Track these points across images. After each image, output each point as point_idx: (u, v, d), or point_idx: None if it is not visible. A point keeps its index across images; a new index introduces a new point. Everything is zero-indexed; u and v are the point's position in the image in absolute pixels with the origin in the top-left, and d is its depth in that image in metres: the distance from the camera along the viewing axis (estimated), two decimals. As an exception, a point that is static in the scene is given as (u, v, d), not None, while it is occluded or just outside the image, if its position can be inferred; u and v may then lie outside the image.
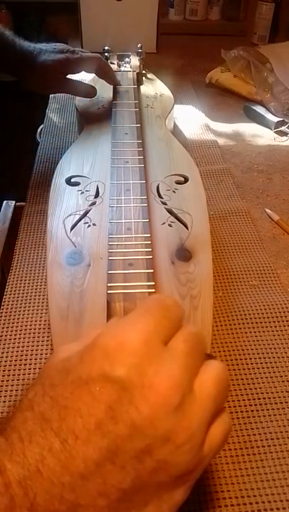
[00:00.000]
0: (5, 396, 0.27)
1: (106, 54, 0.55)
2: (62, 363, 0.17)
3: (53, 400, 0.16)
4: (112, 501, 0.15)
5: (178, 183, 0.37)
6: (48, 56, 0.45)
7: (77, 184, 0.37)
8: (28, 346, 0.30)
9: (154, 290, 0.27)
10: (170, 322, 0.18)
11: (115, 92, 0.49)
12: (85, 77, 0.51)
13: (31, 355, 0.29)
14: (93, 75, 0.50)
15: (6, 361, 0.29)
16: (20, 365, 0.29)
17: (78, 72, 0.47)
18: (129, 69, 0.54)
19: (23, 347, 0.30)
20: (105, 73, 0.49)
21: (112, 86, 0.50)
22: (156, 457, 0.15)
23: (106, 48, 0.56)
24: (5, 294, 0.33)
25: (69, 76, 0.47)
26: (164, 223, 0.33)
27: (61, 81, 0.46)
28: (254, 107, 0.59)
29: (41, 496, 0.14)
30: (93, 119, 0.47)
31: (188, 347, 0.17)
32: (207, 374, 0.17)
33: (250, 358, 0.29)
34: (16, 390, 0.27)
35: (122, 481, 0.15)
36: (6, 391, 0.27)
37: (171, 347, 0.17)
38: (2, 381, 0.28)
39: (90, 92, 0.49)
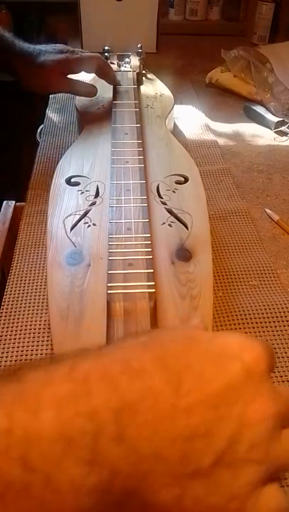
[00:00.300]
0: (5, 396, 0.27)
1: (106, 54, 0.55)
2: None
3: (172, 351, 0.16)
4: (186, 471, 0.15)
5: (178, 183, 0.37)
6: (48, 57, 0.45)
7: (77, 184, 0.37)
8: (28, 346, 0.30)
9: (154, 290, 0.27)
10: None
11: (115, 92, 0.49)
12: (85, 77, 0.51)
13: (31, 355, 0.29)
14: (93, 75, 0.50)
15: (6, 361, 0.29)
16: (21, 365, 0.29)
17: (78, 72, 0.48)
18: (129, 69, 0.54)
19: (23, 347, 0.30)
20: (105, 73, 0.49)
21: (112, 86, 0.50)
22: (235, 455, 0.15)
23: (106, 47, 0.56)
24: (5, 294, 0.33)
25: (69, 76, 0.47)
26: (164, 223, 0.33)
27: (61, 81, 0.47)
28: (254, 107, 0.59)
29: (133, 430, 0.14)
30: (93, 119, 0.47)
31: None
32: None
33: (250, 358, 0.29)
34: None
35: (203, 457, 0.15)
36: (6, 391, 0.27)
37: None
38: (2, 381, 0.28)
39: (90, 91, 0.49)
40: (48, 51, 0.46)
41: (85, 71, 0.48)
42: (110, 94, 0.49)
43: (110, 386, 0.14)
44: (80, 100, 0.50)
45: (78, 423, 0.13)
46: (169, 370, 0.15)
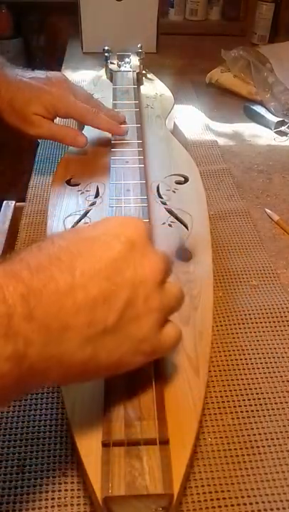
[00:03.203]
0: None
1: (106, 54, 0.55)
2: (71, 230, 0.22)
3: (64, 247, 0.19)
4: (94, 333, 0.18)
5: (178, 183, 0.37)
6: (33, 95, 0.38)
7: (77, 184, 0.37)
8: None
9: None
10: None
11: (115, 92, 0.49)
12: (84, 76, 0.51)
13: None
14: (93, 74, 0.50)
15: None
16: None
17: (65, 117, 0.41)
18: (129, 69, 0.54)
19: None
20: (99, 126, 0.41)
21: (112, 85, 0.50)
22: (135, 311, 0.19)
23: (106, 47, 0.56)
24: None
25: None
26: (164, 223, 0.33)
27: (44, 126, 0.39)
28: (254, 107, 0.59)
29: (40, 310, 0.17)
30: (93, 119, 0.47)
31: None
32: (176, 286, 0.22)
33: (250, 358, 0.29)
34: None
35: (106, 319, 0.19)
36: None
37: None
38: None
39: (78, 141, 0.39)
40: (36, 87, 0.38)
41: (75, 120, 0.41)
42: (110, 94, 0.49)
43: (15, 279, 0.17)
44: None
45: None
46: (62, 261, 0.18)
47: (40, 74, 0.41)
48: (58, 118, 0.41)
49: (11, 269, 0.18)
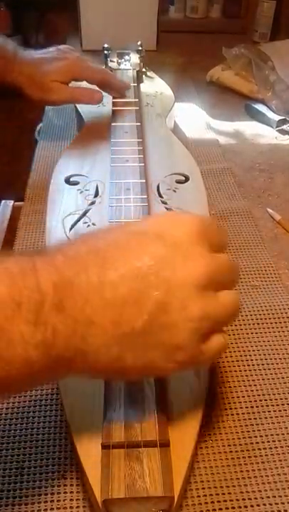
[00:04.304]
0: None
1: (105, 52, 0.55)
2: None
3: (107, 240, 0.19)
4: (120, 333, 0.18)
5: (178, 182, 0.37)
6: (51, 65, 0.44)
7: (76, 183, 0.37)
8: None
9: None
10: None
11: (115, 90, 0.48)
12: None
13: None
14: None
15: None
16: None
17: (80, 81, 0.46)
18: (129, 67, 0.54)
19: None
20: (111, 87, 0.47)
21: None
22: (169, 317, 0.18)
23: (105, 45, 0.56)
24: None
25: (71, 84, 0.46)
26: (164, 223, 0.33)
27: (63, 91, 0.45)
28: (255, 106, 0.59)
29: (69, 301, 0.17)
30: (92, 117, 0.47)
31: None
32: (230, 296, 0.20)
33: (252, 360, 0.29)
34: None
35: (135, 320, 0.18)
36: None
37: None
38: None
39: (95, 97, 0.45)
40: (50, 58, 0.44)
41: (88, 81, 0.46)
42: (110, 92, 0.49)
43: (49, 264, 0.18)
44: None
45: (26, 293, 0.17)
46: (99, 254, 0.18)
47: (51, 48, 0.46)
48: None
49: (46, 254, 0.18)
